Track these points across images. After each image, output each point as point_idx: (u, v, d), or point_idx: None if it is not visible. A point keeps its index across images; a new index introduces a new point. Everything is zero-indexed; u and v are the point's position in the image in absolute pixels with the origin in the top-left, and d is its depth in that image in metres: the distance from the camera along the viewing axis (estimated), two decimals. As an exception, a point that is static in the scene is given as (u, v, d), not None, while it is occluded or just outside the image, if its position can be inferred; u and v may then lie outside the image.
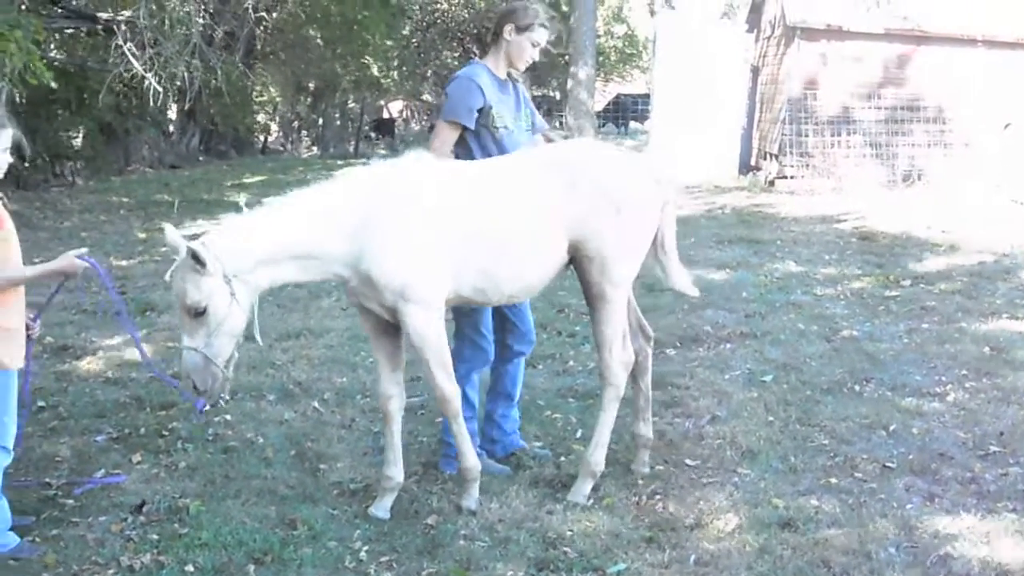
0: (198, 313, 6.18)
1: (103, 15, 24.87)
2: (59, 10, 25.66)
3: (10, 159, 6.38)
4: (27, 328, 6.57)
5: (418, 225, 6.56)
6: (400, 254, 6.49)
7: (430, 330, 6.66)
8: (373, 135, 46.29)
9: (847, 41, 26.78)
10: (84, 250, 6.55)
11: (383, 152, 38.19)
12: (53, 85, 16.17)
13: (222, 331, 6.25)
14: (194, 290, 6.12)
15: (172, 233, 6.15)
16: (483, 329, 7.74)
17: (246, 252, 6.27)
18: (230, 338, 6.33)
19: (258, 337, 6.59)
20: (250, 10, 25.06)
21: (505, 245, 6.79)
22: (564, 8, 41.86)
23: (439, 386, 6.81)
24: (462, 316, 7.69)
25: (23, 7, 20.50)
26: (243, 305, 6.30)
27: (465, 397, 7.71)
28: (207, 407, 7.00)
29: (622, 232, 6.92)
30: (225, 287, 6.17)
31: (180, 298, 6.21)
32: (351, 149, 38.25)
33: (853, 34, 26.66)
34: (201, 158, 33.83)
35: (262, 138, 39.88)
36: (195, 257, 6.03)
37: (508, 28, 7.50)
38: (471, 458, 7.01)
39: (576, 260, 7.06)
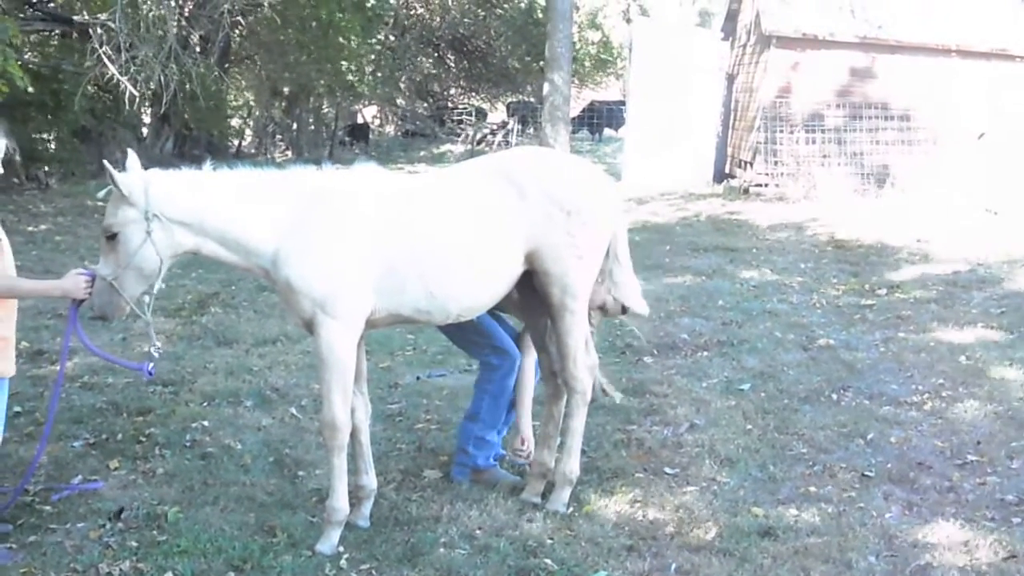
0: (109, 237, 6.20)
1: (78, 18, 24.74)
2: (36, 13, 25.54)
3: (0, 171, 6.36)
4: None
5: (352, 236, 6.44)
6: (326, 263, 6.37)
7: (342, 348, 6.46)
8: (347, 140, 46.16)
9: (821, 50, 26.82)
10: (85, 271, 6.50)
11: (357, 157, 38.17)
12: (30, 90, 16.02)
13: (131, 266, 6.19)
14: (111, 212, 6.19)
15: (107, 164, 6.15)
16: (489, 330, 7.64)
17: (180, 201, 6.25)
18: (138, 276, 6.25)
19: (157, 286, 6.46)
20: (226, 14, 24.90)
21: (451, 262, 6.64)
22: (539, 14, 42.00)
23: (333, 412, 6.50)
24: (460, 332, 7.63)
25: (-1, 10, 20.43)
26: (158, 248, 6.20)
27: (509, 405, 7.78)
28: (153, 372, 6.87)
29: (575, 238, 6.82)
30: (142, 223, 6.16)
31: (104, 217, 6.27)
32: (325, 154, 38.12)
33: (828, 43, 26.70)
34: (175, 162, 33.59)
35: (236, 142, 39.66)
36: (116, 184, 6.10)
37: None
38: (342, 499, 6.69)
39: (533, 272, 6.96)
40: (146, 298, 6.42)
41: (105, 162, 6.21)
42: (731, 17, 31.92)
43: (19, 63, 15.97)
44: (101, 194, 6.40)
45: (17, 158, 6.42)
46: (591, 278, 7.06)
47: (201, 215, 6.29)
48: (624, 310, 7.58)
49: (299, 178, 6.67)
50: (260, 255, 6.42)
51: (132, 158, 6.39)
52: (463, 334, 7.70)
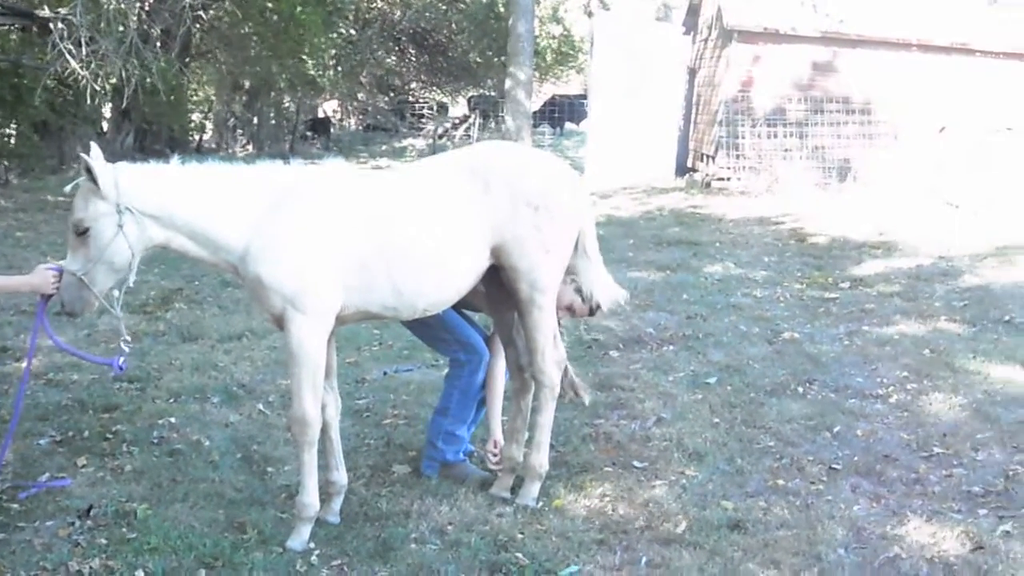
0: (80, 232, 6.14)
1: (39, 12, 24.56)
2: (-3, 8, 25.38)
3: None
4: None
5: (322, 232, 6.41)
6: (297, 259, 6.34)
7: (312, 344, 6.42)
8: (309, 134, 46.05)
9: (783, 44, 26.92)
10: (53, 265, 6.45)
11: (318, 151, 38.20)
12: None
13: (102, 260, 6.15)
14: (82, 207, 6.12)
15: (84, 156, 6.12)
16: (455, 326, 7.63)
17: (150, 194, 6.22)
18: (109, 271, 6.22)
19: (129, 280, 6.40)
20: (187, 8, 24.74)
21: (418, 258, 6.60)
22: (501, 8, 41.93)
23: (303, 407, 6.46)
24: (427, 329, 7.64)
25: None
26: (130, 242, 6.17)
27: (479, 401, 7.81)
28: (124, 367, 6.83)
29: (542, 232, 6.80)
30: (114, 216, 6.11)
31: (72, 212, 6.21)
32: (287, 148, 38.03)
33: (789, 37, 26.80)
34: (136, 156, 33.16)
35: (197, 137, 39.47)
36: (88, 172, 6.05)
37: None
38: (312, 494, 6.66)
39: (500, 268, 6.94)
40: (115, 293, 6.37)
41: (82, 154, 6.17)
42: (692, 11, 31.98)
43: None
44: (68, 188, 6.35)
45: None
46: (559, 273, 7.04)
47: (171, 209, 6.26)
48: (592, 312, 7.60)
49: (268, 174, 6.63)
50: (229, 250, 6.39)
51: (95, 151, 6.32)
52: (430, 332, 7.69)
